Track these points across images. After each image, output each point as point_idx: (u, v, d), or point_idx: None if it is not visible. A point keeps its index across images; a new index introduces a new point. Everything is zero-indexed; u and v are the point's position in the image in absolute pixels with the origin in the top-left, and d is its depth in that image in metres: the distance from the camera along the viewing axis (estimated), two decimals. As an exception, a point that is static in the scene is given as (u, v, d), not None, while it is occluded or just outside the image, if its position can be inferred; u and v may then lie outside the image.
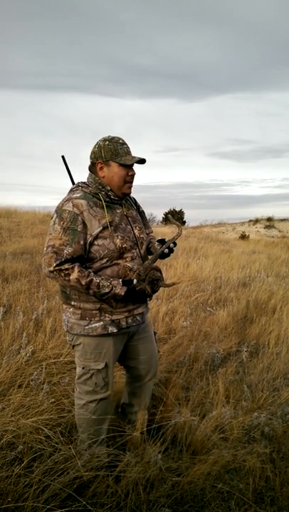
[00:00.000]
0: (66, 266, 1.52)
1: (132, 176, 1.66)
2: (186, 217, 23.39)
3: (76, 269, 1.52)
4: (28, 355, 2.53)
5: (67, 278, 1.53)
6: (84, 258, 1.59)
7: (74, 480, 1.55)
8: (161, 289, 1.69)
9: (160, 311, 3.74)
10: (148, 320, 1.90)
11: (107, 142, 1.60)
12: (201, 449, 1.92)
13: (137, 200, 1.92)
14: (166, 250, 1.70)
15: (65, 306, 1.71)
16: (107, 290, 1.55)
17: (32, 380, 2.28)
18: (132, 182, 1.68)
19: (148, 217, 1.96)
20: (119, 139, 1.63)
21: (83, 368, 1.70)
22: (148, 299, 1.70)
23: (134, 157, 1.62)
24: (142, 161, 1.64)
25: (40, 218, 10.82)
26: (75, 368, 2.54)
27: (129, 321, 1.70)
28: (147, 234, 1.85)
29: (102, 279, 1.56)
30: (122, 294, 1.56)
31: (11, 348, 2.62)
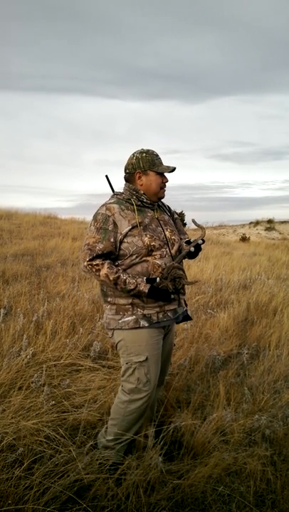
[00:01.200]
0: (97, 261, 1.67)
1: (166, 182, 1.84)
2: (186, 219, 23.41)
3: (106, 265, 1.66)
4: (28, 357, 2.53)
5: (97, 273, 1.67)
6: (115, 255, 1.72)
7: (74, 482, 1.55)
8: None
9: (186, 307, 3.72)
10: (173, 330, 1.98)
11: (145, 154, 1.79)
12: (202, 451, 1.91)
13: (178, 212, 2.00)
14: (192, 249, 1.80)
15: (104, 305, 1.83)
16: (132, 287, 1.66)
17: (32, 382, 2.28)
18: (165, 187, 1.85)
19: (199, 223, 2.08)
20: (154, 151, 1.82)
21: (127, 364, 1.77)
22: (172, 296, 1.75)
23: (169, 166, 1.81)
24: (173, 170, 1.81)
25: (40, 220, 10.83)
26: (75, 370, 2.55)
27: (160, 316, 1.76)
28: (181, 239, 1.95)
29: (129, 276, 1.67)
30: (146, 291, 1.66)
31: (12, 350, 2.61)
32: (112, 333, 1.80)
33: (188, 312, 1.95)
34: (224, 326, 3.66)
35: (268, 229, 20.22)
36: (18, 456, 1.64)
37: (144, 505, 1.54)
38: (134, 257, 1.72)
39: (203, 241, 1.84)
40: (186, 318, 1.92)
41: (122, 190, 1.86)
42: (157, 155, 1.82)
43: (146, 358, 1.74)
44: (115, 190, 1.90)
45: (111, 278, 1.65)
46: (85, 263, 1.69)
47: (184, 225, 21.79)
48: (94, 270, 1.68)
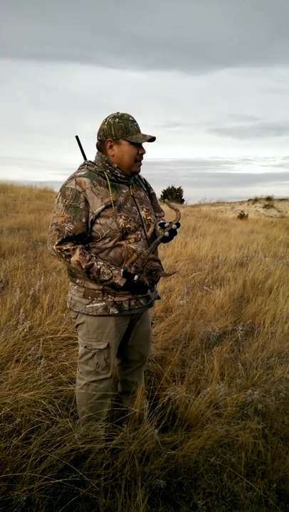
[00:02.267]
0: (68, 246, 1.51)
1: (142, 154, 1.63)
2: (184, 196, 23.21)
3: (78, 252, 1.51)
4: (25, 330, 2.55)
5: (68, 259, 1.52)
6: (86, 237, 1.57)
7: (71, 452, 1.58)
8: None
9: (157, 289, 3.75)
10: (148, 309, 1.87)
11: (117, 119, 1.56)
12: (196, 424, 1.96)
13: (148, 182, 1.87)
14: (167, 233, 1.64)
15: (70, 284, 1.72)
16: (106, 278, 1.54)
17: (29, 355, 2.30)
18: (141, 159, 1.64)
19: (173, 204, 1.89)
20: (129, 116, 1.59)
21: (85, 347, 1.70)
22: (149, 290, 1.66)
23: (146, 135, 1.58)
24: (152, 140, 1.59)
25: (36, 194, 10.69)
26: (72, 344, 2.57)
27: (132, 303, 1.67)
28: (156, 217, 1.80)
29: (104, 265, 1.54)
30: (121, 285, 1.55)
31: (9, 324, 2.63)
32: (77, 315, 1.70)
33: (158, 293, 1.86)
34: (220, 303, 3.69)
35: (266, 206, 20.12)
36: (16, 426, 1.67)
37: (138, 474, 1.59)
38: (106, 240, 1.56)
39: (178, 225, 1.67)
40: (156, 298, 1.84)
41: (94, 160, 1.65)
42: (134, 120, 1.58)
43: (108, 345, 1.67)
44: (88, 157, 1.71)
45: (83, 266, 1.50)
46: (54, 246, 1.52)
47: (182, 201, 21.62)
48: (63, 256, 1.51)
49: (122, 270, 1.58)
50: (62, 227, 1.51)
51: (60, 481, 1.47)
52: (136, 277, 1.57)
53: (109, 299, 1.63)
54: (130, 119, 1.58)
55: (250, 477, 1.74)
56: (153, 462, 1.68)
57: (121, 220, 1.57)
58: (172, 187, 23.53)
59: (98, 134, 1.62)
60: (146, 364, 2.07)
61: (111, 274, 1.54)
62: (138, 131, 1.59)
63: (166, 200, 1.75)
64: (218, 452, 1.83)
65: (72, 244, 1.52)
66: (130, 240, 1.60)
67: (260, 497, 1.63)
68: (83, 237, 1.57)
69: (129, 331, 1.80)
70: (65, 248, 1.51)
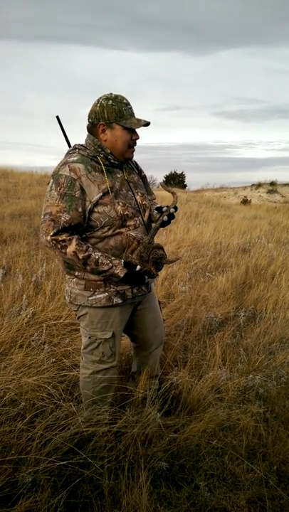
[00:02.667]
0: (64, 237, 1.45)
1: (136, 140, 1.56)
2: (187, 181, 23.03)
3: (74, 242, 1.46)
4: (28, 316, 2.56)
5: (63, 250, 1.46)
6: (83, 226, 1.52)
7: (75, 435, 1.61)
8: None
9: (159, 275, 3.75)
10: (153, 289, 1.87)
11: (111, 102, 1.48)
12: (198, 407, 1.99)
13: (139, 164, 1.82)
14: (166, 218, 1.59)
15: (68, 277, 1.66)
16: (105, 268, 1.50)
17: (33, 341, 2.32)
18: (135, 145, 1.58)
19: (148, 181, 1.84)
20: (123, 98, 1.51)
21: (90, 338, 1.68)
22: (151, 278, 1.64)
23: (140, 120, 1.51)
24: (146, 124, 1.52)
25: (37, 179, 10.63)
26: (74, 330, 2.59)
27: (135, 291, 1.65)
28: (149, 200, 1.77)
29: (102, 255, 1.50)
30: (122, 275, 1.51)
31: (12, 310, 2.64)
32: (78, 308, 1.66)
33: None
34: (222, 289, 3.70)
35: (270, 191, 19.96)
36: (20, 411, 1.70)
37: (141, 457, 1.62)
38: (106, 228, 1.52)
39: (176, 208, 1.62)
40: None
41: (84, 143, 1.57)
42: (128, 103, 1.50)
43: (113, 334, 1.66)
44: (69, 137, 1.64)
45: (80, 257, 1.45)
46: (48, 237, 1.45)
47: (184, 186, 21.45)
48: (59, 247, 1.45)
49: (123, 260, 1.54)
50: (58, 217, 1.44)
51: (64, 463, 1.50)
52: (138, 267, 1.54)
53: (112, 289, 1.59)
54: (124, 101, 1.50)
55: (251, 459, 1.77)
56: (156, 445, 1.71)
57: (119, 207, 1.52)
58: (174, 172, 23.33)
59: (89, 116, 1.53)
60: (161, 348, 2.06)
61: (111, 264, 1.50)
62: (132, 114, 1.52)
63: (161, 183, 1.69)
64: (220, 435, 1.85)
65: (68, 235, 1.47)
66: (130, 227, 1.56)
67: (261, 478, 1.66)
68: (79, 227, 1.51)
69: (132, 317, 1.80)
70: (60, 239, 1.45)
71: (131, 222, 1.57)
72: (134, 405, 1.87)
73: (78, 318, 1.71)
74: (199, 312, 3.09)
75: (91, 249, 1.50)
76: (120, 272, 1.51)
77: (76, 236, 1.49)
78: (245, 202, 15.55)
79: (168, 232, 5.79)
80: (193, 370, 2.35)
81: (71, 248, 1.45)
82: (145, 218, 1.64)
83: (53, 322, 2.61)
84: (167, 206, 1.62)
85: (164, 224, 1.62)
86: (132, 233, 1.57)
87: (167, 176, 23.27)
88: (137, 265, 1.55)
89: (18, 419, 1.65)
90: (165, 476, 1.63)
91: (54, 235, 1.45)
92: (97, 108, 1.49)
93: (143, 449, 1.65)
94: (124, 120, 1.49)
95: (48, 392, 1.85)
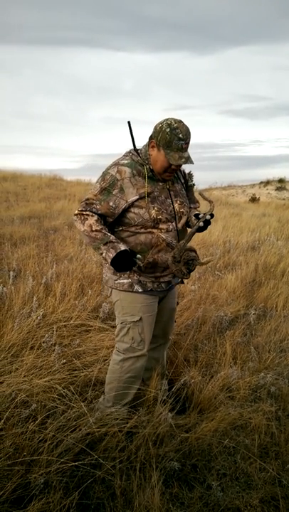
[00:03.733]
0: (88, 212, 1.64)
1: (175, 169, 1.67)
2: (195, 180, 22.93)
3: (95, 218, 1.62)
4: (39, 318, 2.58)
5: (84, 222, 1.62)
6: (110, 219, 1.68)
7: (86, 436, 1.62)
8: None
9: (190, 277, 3.75)
10: (175, 289, 1.99)
11: (169, 130, 1.58)
12: (209, 407, 1.98)
13: (187, 173, 1.96)
14: (202, 224, 1.70)
15: (103, 262, 1.80)
16: (103, 248, 1.59)
17: (43, 342, 2.33)
18: (173, 172, 1.69)
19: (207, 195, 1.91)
20: (181, 132, 1.59)
21: (121, 323, 1.80)
22: (185, 277, 1.71)
23: (182, 158, 1.60)
24: (181, 165, 1.63)
25: (46, 182, 10.71)
26: (85, 331, 2.60)
27: (155, 285, 1.78)
28: (191, 208, 1.90)
29: (112, 239, 1.59)
30: (109, 260, 1.59)
31: (22, 312, 2.66)
32: (110, 292, 1.84)
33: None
34: (232, 288, 3.67)
35: (278, 189, 19.77)
36: (32, 412, 1.71)
37: (153, 457, 1.62)
38: (139, 226, 1.68)
39: (212, 215, 1.74)
40: (178, 282, 1.91)
41: (142, 148, 1.72)
42: (181, 139, 1.59)
43: (140, 318, 1.77)
44: (136, 144, 1.75)
45: (94, 228, 1.60)
46: (76, 211, 1.67)
47: (192, 185, 21.38)
48: (81, 219, 1.64)
49: (128, 249, 1.60)
50: (91, 203, 1.65)
51: (76, 464, 1.50)
52: (138, 256, 1.64)
53: (135, 277, 1.74)
54: (180, 135, 1.59)
55: (263, 458, 1.76)
56: (167, 445, 1.70)
57: (153, 211, 1.66)
58: (189, 175, 23.28)
59: (154, 128, 1.65)
60: (168, 345, 2.12)
61: (111, 244, 1.58)
62: (179, 149, 1.60)
63: (200, 192, 1.75)
64: (232, 434, 1.84)
65: (92, 213, 1.64)
66: (162, 230, 1.69)
67: (274, 477, 1.65)
68: (106, 218, 1.68)
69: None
70: (85, 213, 1.64)
71: (163, 226, 1.69)
72: (146, 405, 1.87)
73: (114, 306, 1.85)
74: (209, 311, 3.08)
75: (105, 229, 1.63)
76: (109, 254, 1.58)
77: (98, 216, 1.65)
78: (253, 200, 15.43)
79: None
80: (203, 370, 2.34)
81: (89, 221, 1.62)
82: (179, 225, 1.75)
83: (64, 323, 2.62)
84: (204, 214, 1.72)
85: (201, 229, 1.75)
86: (163, 235, 1.70)
87: (175, 175, 23.17)
88: (136, 253, 1.65)
89: (30, 421, 1.66)
90: (177, 476, 1.63)
91: (82, 210, 1.65)
92: (158, 127, 1.62)
93: (154, 449, 1.65)
94: (168, 150, 1.60)
95: (59, 393, 1.86)
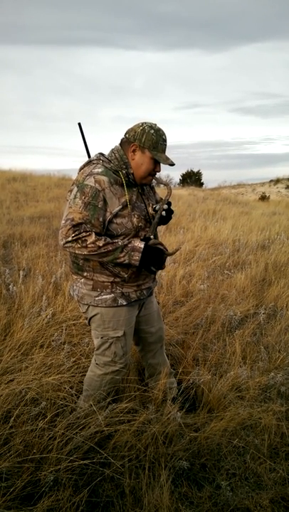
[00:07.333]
0: (83, 233, 1.53)
1: (158, 171, 1.65)
2: (204, 179, 22.86)
3: (92, 235, 1.53)
4: (48, 317, 2.60)
5: (84, 244, 1.52)
6: (100, 235, 1.58)
7: (95, 434, 1.62)
8: (178, 252, 1.70)
9: (177, 274, 3.74)
10: (154, 291, 1.96)
11: (153, 131, 1.57)
12: (218, 406, 1.97)
13: None
14: (164, 213, 1.68)
15: (75, 277, 1.74)
16: (125, 242, 1.56)
17: (53, 341, 2.35)
18: (154, 175, 1.68)
19: (165, 179, 1.88)
20: (164, 134, 1.61)
21: (102, 338, 1.73)
22: (154, 274, 1.72)
23: (168, 159, 1.60)
24: (172, 165, 1.63)
25: (55, 182, 10.77)
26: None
27: (138, 294, 1.74)
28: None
29: (124, 243, 1.57)
30: (136, 263, 1.57)
31: (32, 310, 2.69)
32: (87, 308, 1.73)
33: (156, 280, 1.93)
34: (241, 287, 3.65)
35: (288, 187, 19.57)
36: (42, 410, 1.72)
37: (162, 456, 1.62)
38: (122, 237, 1.61)
39: (169, 203, 1.67)
40: (155, 285, 1.91)
41: (107, 155, 1.64)
42: (165, 140, 1.61)
43: (124, 333, 1.72)
44: (90, 149, 1.71)
45: (100, 244, 1.52)
46: (69, 238, 1.52)
47: (201, 184, 21.29)
48: (80, 242, 1.51)
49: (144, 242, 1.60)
50: (79, 224, 1.52)
51: (85, 462, 1.51)
52: (152, 236, 1.63)
53: (118, 291, 1.68)
54: (163, 137, 1.60)
55: (273, 458, 1.74)
56: (176, 444, 1.70)
57: (135, 219, 1.63)
58: (191, 170, 23.19)
59: (128, 132, 1.61)
60: (166, 345, 2.12)
61: (131, 245, 1.56)
62: (164, 151, 1.62)
63: (156, 177, 1.72)
64: (241, 434, 1.83)
65: (86, 232, 1.54)
66: (140, 237, 1.66)
67: (284, 478, 1.63)
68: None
69: (138, 319, 1.87)
70: (81, 236, 1.52)
71: (142, 233, 1.67)
72: (155, 403, 1.87)
73: (89, 321, 1.77)
74: (218, 310, 3.06)
75: (109, 239, 1.57)
76: (139, 243, 1.58)
77: (94, 231, 1.55)
78: (263, 198, 15.31)
79: (185, 231, 5.76)
80: (213, 369, 2.33)
81: (91, 239, 1.52)
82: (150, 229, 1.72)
83: (73, 322, 2.63)
84: (160, 204, 1.66)
85: (164, 220, 1.73)
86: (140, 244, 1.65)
87: (184, 174, 23.15)
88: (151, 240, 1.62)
89: (40, 419, 1.68)
90: (186, 475, 1.62)
91: (75, 235, 1.52)
92: (139, 130, 1.57)
93: (163, 448, 1.65)
94: (156, 152, 1.58)
95: (69, 391, 1.87)
